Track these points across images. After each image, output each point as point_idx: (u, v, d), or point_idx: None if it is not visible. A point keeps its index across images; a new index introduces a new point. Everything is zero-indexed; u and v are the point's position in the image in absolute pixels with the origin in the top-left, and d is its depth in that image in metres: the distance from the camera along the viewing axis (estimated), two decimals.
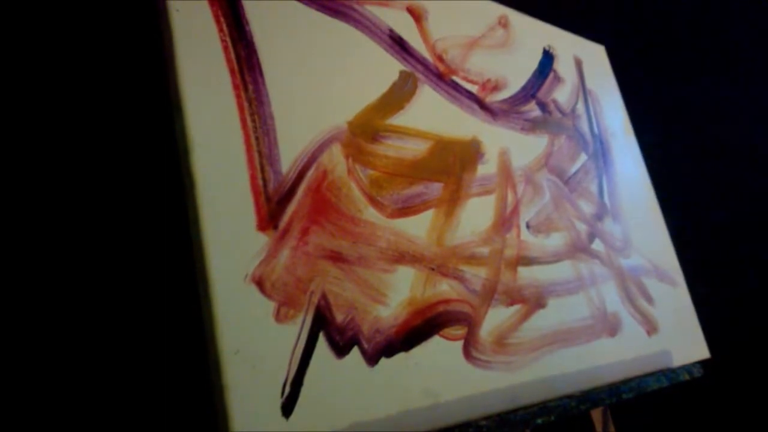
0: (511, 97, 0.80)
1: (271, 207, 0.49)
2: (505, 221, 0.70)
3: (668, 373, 0.84)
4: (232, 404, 0.41)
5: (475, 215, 0.67)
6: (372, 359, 0.50)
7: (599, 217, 0.87)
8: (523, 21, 0.89)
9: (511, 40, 0.85)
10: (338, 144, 0.56)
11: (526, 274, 0.69)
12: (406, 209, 0.60)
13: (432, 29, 0.72)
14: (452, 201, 0.65)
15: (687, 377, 0.88)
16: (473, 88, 0.75)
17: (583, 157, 0.90)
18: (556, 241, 0.76)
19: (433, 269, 0.59)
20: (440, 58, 0.72)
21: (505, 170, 0.74)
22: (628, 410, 1.05)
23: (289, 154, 0.52)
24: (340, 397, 0.47)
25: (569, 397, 0.66)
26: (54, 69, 0.57)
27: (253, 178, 0.48)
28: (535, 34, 0.91)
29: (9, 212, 0.52)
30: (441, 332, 0.57)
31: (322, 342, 0.47)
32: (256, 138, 0.50)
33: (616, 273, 0.84)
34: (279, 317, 0.46)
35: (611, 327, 0.78)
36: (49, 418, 0.49)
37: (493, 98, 0.77)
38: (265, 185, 0.49)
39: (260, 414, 0.42)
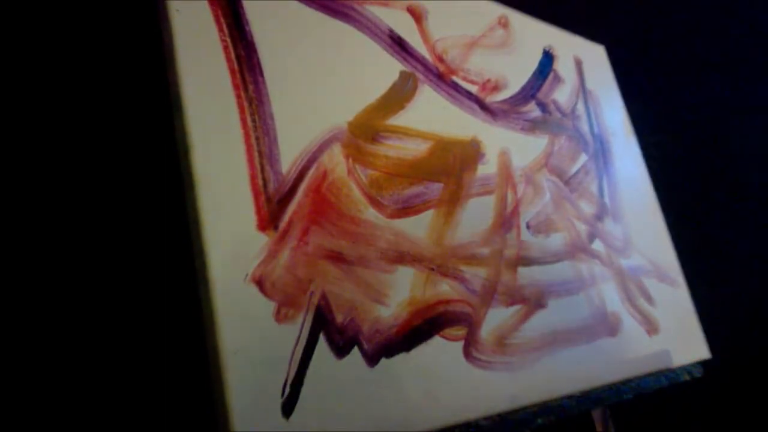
0: (511, 98, 0.80)
1: (271, 207, 0.49)
2: (505, 221, 0.70)
3: (668, 373, 0.84)
4: (232, 404, 0.40)
5: (475, 215, 0.67)
6: (372, 359, 0.50)
7: (599, 217, 0.87)
8: (523, 21, 0.89)
9: (511, 41, 0.85)
10: (338, 144, 0.56)
11: (526, 274, 0.69)
12: (406, 209, 0.60)
13: (432, 29, 0.72)
14: (452, 201, 0.65)
15: (687, 377, 0.88)
16: (473, 89, 0.75)
17: (584, 157, 0.90)
18: (556, 241, 0.76)
19: (433, 269, 0.59)
20: (440, 59, 0.72)
21: (505, 170, 0.74)
22: (628, 410, 1.05)
23: (289, 154, 0.52)
24: (340, 397, 0.47)
25: (569, 397, 0.66)
26: (54, 69, 0.57)
27: (253, 178, 0.48)
28: (535, 34, 0.91)
29: (8, 212, 0.52)
30: (441, 332, 0.57)
31: (322, 342, 0.47)
32: (256, 138, 0.50)
33: (616, 273, 0.84)
34: (279, 317, 0.46)
35: (611, 327, 0.78)
36: (50, 418, 0.49)
37: (493, 98, 0.77)
38: (265, 185, 0.49)
39: (260, 414, 0.42)
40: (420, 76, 0.68)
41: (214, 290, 0.43)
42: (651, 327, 0.85)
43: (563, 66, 0.93)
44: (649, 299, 0.88)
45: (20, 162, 0.54)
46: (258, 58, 0.53)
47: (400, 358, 0.52)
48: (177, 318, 0.53)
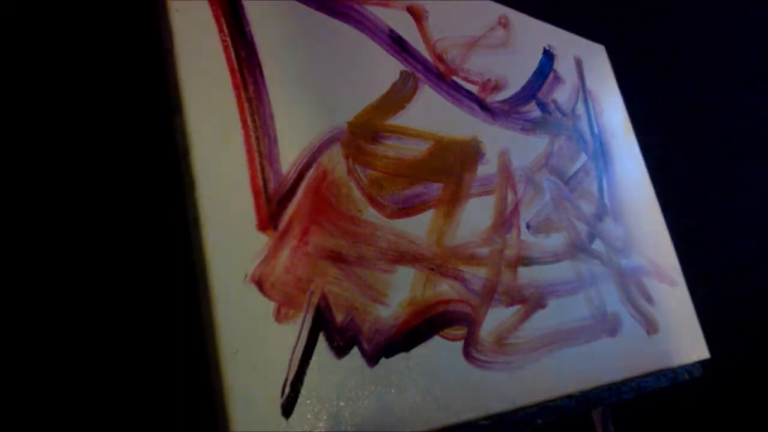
0: (511, 98, 0.80)
1: (271, 207, 0.49)
2: (505, 221, 0.70)
3: (668, 373, 0.84)
4: (232, 404, 0.40)
5: (475, 215, 0.67)
6: (372, 359, 0.50)
7: (599, 217, 0.87)
8: (523, 21, 0.89)
9: (511, 40, 0.85)
10: (338, 144, 0.56)
11: (526, 274, 0.69)
12: (406, 209, 0.60)
13: (432, 29, 0.72)
14: (452, 201, 0.65)
15: (687, 377, 0.88)
16: (473, 89, 0.75)
17: (583, 157, 0.90)
18: (556, 241, 0.76)
19: (433, 269, 0.59)
20: (440, 58, 0.72)
21: (505, 170, 0.74)
22: (628, 410, 1.05)
23: (289, 154, 0.52)
24: (340, 397, 0.47)
25: (569, 397, 0.66)
26: (54, 69, 0.57)
27: (253, 178, 0.48)
28: (535, 34, 0.91)
29: (8, 212, 0.52)
30: (441, 332, 0.57)
31: (322, 342, 0.47)
32: (256, 138, 0.50)
33: (616, 273, 0.84)
34: (279, 317, 0.46)
35: (611, 327, 0.78)
36: (50, 418, 0.49)
37: (494, 98, 0.77)
38: (265, 185, 0.49)
39: (260, 414, 0.42)
40: (420, 76, 0.68)
41: (214, 290, 0.43)
42: (651, 327, 0.85)
43: (563, 66, 0.93)
44: (649, 299, 0.88)
45: (20, 162, 0.54)
46: (258, 58, 0.53)
47: (400, 358, 0.52)
48: (177, 318, 0.53)
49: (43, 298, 0.52)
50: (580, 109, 0.94)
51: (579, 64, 0.98)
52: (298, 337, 0.46)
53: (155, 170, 0.58)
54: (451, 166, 0.67)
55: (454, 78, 0.73)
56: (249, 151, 0.49)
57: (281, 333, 0.45)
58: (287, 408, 0.43)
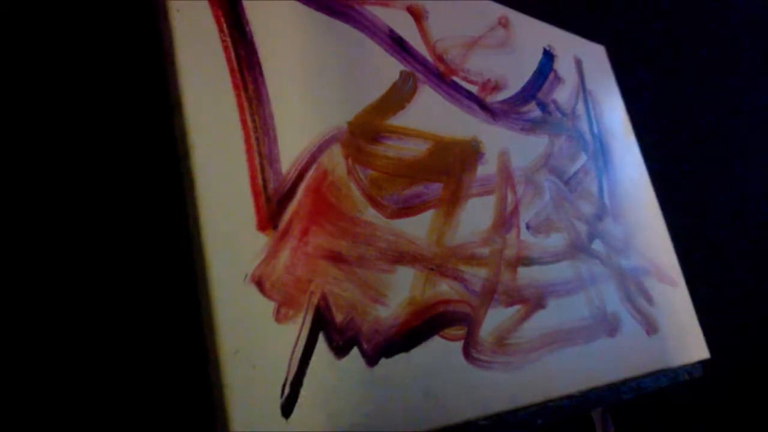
0: (511, 98, 0.80)
1: (271, 207, 0.49)
2: (505, 221, 0.70)
3: (668, 373, 0.84)
4: (232, 404, 0.41)
5: (475, 215, 0.67)
6: (372, 359, 0.50)
7: (599, 217, 0.87)
8: (523, 21, 0.89)
9: (511, 41, 0.85)
10: (338, 144, 0.56)
11: (526, 274, 0.69)
12: (406, 209, 0.60)
13: (432, 29, 0.72)
14: (452, 201, 0.65)
15: (687, 377, 0.88)
16: (473, 89, 0.75)
17: (583, 157, 0.90)
18: (556, 241, 0.76)
19: (432, 269, 0.59)
20: (440, 59, 0.72)
21: (505, 170, 0.74)
22: (628, 410, 1.05)
23: (289, 155, 0.52)
24: (340, 397, 0.47)
25: (569, 397, 0.66)
26: (54, 69, 0.57)
27: (253, 178, 0.48)
28: (535, 34, 0.91)
29: (7, 211, 0.52)
30: (441, 332, 0.57)
31: (321, 342, 0.47)
32: (256, 138, 0.50)
33: (616, 273, 0.84)
34: (279, 317, 0.46)
35: (611, 327, 0.78)
36: (49, 418, 0.49)
37: (493, 98, 0.77)
38: (265, 185, 0.49)
39: (260, 414, 0.42)
40: (420, 76, 0.68)
41: (214, 290, 0.43)
42: (651, 327, 0.85)
43: (563, 66, 0.93)
44: (648, 299, 0.88)
45: (21, 162, 0.54)
46: (258, 58, 0.53)
47: (400, 358, 0.52)
48: (177, 318, 0.53)
49: (43, 298, 0.52)
50: (580, 109, 0.94)
51: (579, 64, 0.98)
52: (298, 337, 0.46)
53: (155, 171, 0.58)
54: (451, 166, 0.67)
55: (454, 78, 0.73)
56: (249, 151, 0.49)
57: (281, 333, 0.45)
58: (287, 408, 0.43)
